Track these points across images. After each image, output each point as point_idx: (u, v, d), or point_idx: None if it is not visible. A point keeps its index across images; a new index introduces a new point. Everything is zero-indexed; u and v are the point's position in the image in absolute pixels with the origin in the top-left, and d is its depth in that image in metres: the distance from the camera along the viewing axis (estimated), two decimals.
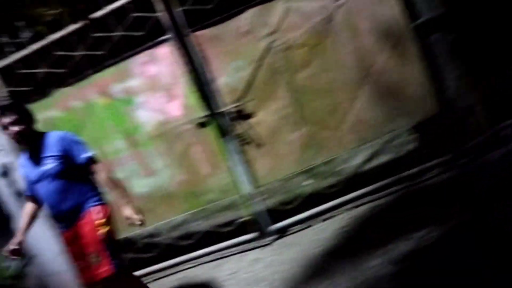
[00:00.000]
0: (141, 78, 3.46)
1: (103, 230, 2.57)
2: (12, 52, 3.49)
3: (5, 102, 2.71)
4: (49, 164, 2.57)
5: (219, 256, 3.65)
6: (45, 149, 2.60)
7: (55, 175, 2.57)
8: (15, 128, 2.53)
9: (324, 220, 3.55)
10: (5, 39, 3.44)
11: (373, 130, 3.46)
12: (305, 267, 3.04)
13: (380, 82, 3.41)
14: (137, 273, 3.81)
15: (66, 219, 2.62)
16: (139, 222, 2.57)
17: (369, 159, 3.96)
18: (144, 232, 3.82)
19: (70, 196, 2.60)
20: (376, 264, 2.69)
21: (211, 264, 3.62)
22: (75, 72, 3.50)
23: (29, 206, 2.77)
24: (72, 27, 3.35)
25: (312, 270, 2.98)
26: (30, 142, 2.62)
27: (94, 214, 2.61)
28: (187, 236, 3.75)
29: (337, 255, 3.03)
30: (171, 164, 3.56)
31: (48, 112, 3.59)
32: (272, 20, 3.33)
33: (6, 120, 2.53)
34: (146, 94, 3.48)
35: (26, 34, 3.42)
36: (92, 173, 2.67)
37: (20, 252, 2.65)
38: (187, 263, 3.74)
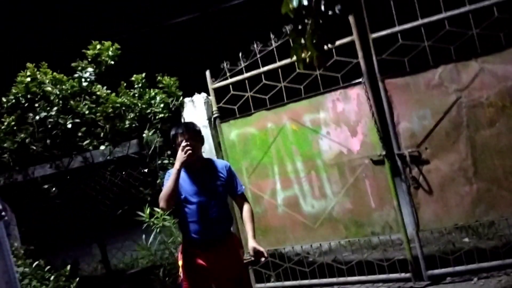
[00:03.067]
0: (330, 112, 3.94)
1: (247, 258, 2.78)
2: (228, 77, 4.28)
3: (185, 124, 2.97)
4: (217, 185, 2.79)
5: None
6: (212, 171, 2.82)
7: (217, 197, 2.78)
8: (190, 145, 2.69)
9: (481, 278, 3.55)
10: (225, 65, 4.25)
11: None
12: None
13: None
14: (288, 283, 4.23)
15: (212, 240, 2.76)
16: (265, 257, 2.70)
17: None
18: (300, 249, 4.24)
19: (221, 219, 2.80)
20: None
21: None
22: (276, 99, 4.14)
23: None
24: (282, 62, 4.01)
25: None
26: (197, 161, 2.80)
27: (237, 242, 2.91)
28: (341, 261, 4.05)
29: None
30: (341, 192, 3.95)
31: (246, 128, 4.29)
32: (464, 77, 3.55)
33: (184, 138, 2.73)
34: (332, 127, 3.95)
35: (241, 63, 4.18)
36: (239, 204, 2.94)
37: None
38: (335, 285, 4.04)
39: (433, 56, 3.65)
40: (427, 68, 3.65)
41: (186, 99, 4.43)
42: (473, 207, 3.57)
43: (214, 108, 4.39)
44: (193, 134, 2.79)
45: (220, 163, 2.92)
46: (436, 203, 3.65)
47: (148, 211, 3.95)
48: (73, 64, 3.73)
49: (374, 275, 3.90)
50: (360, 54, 3.79)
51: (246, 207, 2.91)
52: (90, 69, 3.61)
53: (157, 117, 4.06)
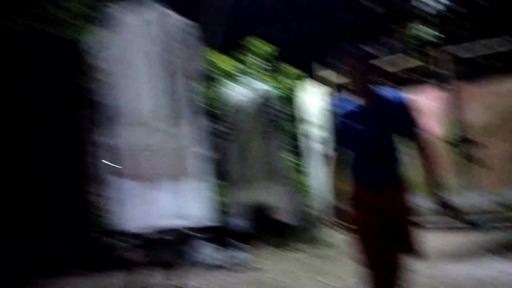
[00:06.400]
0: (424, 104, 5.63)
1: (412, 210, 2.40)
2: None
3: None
4: (388, 126, 2.30)
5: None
6: (384, 107, 2.30)
7: (387, 140, 2.33)
8: (363, 76, 2.22)
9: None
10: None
11: None
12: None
13: None
14: None
15: (378, 182, 2.35)
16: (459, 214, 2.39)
17: None
18: None
19: (387, 164, 2.37)
20: None
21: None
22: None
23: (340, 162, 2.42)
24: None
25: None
26: (367, 96, 2.29)
27: (406, 190, 2.41)
28: None
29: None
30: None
31: None
32: None
33: (357, 65, 2.20)
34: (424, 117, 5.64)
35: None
36: (417, 145, 2.40)
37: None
38: None
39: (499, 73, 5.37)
40: (495, 79, 5.40)
41: None
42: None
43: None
44: (359, 59, 2.22)
45: (395, 97, 2.33)
46: (486, 173, 5.47)
47: None
48: None
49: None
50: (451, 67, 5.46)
51: (425, 153, 2.41)
52: None
53: None
